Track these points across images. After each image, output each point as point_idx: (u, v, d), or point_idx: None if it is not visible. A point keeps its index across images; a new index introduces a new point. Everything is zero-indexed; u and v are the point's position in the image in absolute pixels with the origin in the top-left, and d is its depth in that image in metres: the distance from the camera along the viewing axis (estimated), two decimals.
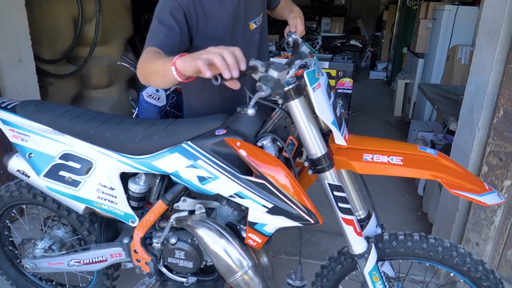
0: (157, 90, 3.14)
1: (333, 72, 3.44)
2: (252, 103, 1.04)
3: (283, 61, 1.43)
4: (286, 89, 1.13)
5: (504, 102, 1.80)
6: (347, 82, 3.46)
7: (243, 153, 1.21)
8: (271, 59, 1.95)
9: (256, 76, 1.09)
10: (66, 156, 1.48)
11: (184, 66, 1.00)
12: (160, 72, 1.11)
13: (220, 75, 0.94)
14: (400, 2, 7.56)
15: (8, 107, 1.58)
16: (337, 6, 11.15)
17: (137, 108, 3.20)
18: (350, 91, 3.51)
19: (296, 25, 1.50)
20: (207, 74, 0.92)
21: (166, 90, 3.18)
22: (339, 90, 3.50)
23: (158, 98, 3.12)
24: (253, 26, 1.52)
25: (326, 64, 3.45)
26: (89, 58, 3.77)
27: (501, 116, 1.81)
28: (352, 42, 8.39)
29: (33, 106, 1.56)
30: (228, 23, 1.44)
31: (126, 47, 4.41)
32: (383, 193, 3.22)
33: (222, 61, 0.93)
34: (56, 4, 3.33)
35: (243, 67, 0.97)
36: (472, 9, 4.16)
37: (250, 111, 1.05)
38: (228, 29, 1.45)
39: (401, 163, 1.21)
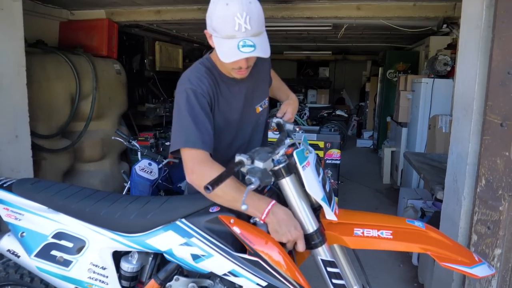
0: (149, 164, 3.20)
1: (321, 144, 3.56)
2: (244, 198, 1.09)
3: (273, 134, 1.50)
4: (276, 168, 1.19)
5: (484, 172, 1.87)
6: (335, 153, 3.57)
7: (236, 230, 1.23)
8: None
9: (243, 169, 1.14)
10: (59, 235, 1.48)
11: (271, 225, 1.22)
12: (237, 205, 1.20)
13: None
14: (380, 74, 8.04)
15: (4, 185, 1.60)
16: (321, 78, 11.77)
17: (129, 182, 3.23)
18: (338, 162, 3.61)
19: (284, 112, 1.55)
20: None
21: (158, 164, 3.24)
22: (327, 161, 3.59)
23: (151, 172, 3.16)
24: (259, 109, 1.59)
25: (314, 136, 3.58)
26: (83, 133, 3.86)
27: (484, 185, 1.88)
28: (338, 112, 8.74)
29: (29, 184, 1.59)
30: (237, 109, 1.50)
31: (120, 121, 4.54)
32: (377, 264, 3.17)
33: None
34: (55, 82, 3.49)
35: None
36: (447, 81, 4.44)
37: (244, 207, 1.11)
38: (238, 113, 1.51)
39: (391, 236, 1.24)
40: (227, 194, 1.21)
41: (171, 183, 3.45)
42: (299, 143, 1.29)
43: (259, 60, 1.55)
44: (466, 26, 2.05)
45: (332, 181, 3.61)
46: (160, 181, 3.28)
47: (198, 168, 1.27)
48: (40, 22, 3.99)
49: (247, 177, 1.09)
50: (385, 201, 4.89)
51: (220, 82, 1.45)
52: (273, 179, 1.19)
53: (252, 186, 1.08)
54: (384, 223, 1.28)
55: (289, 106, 1.59)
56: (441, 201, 2.46)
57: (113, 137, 3.44)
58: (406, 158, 3.39)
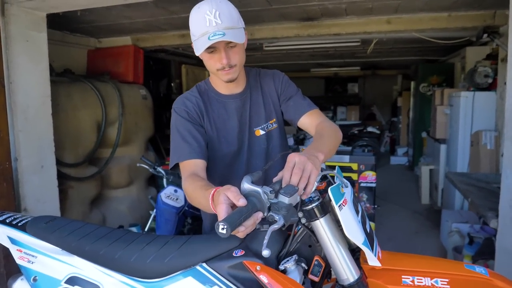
0: (175, 191, 3.10)
1: (354, 166, 3.33)
2: (266, 241, 0.92)
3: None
4: (309, 207, 1.03)
5: None
6: (370, 175, 3.34)
7: (264, 279, 1.07)
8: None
9: None
10: (72, 280, 1.36)
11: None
12: (205, 207, 1.12)
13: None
14: (413, 88, 7.73)
15: (19, 224, 1.51)
16: (350, 95, 11.52)
17: (155, 210, 3.14)
18: (374, 185, 3.36)
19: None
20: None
21: None
22: (362, 184, 3.35)
23: (177, 199, 3.06)
24: (259, 132, 1.50)
25: (346, 158, 3.35)
26: (110, 160, 3.83)
27: None
28: (369, 129, 8.42)
29: (43, 223, 1.49)
30: (232, 128, 1.46)
31: (147, 146, 4.50)
32: None
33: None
34: (82, 110, 3.49)
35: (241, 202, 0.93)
36: (489, 94, 4.13)
37: (265, 253, 0.93)
38: (233, 133, 1.47)
39: (448, 286, 1.04)
40: (196, 203, 1.21)
41: (198, 210, 3.33)
42: (332, 176, 1.11)
43: (263, 78, 1.52)
44: None
45: (368, 205, 3.36)
46: (186, 208, 3.17)
47: (184, 183, 1.29)
48: (69, 51, 4.06)
49: (269, 213, 0.93)
50: (425, 224, 4.56)
51: (214, 101, 1.48)
52: (299, 217, 1.02)
53: (276, 226, 0.91)
54: (438, 269, 1.09)
55: (288, 170, 1.00)
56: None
57: (138, 164, 3.38)
58: (449, 179, 3.13)
